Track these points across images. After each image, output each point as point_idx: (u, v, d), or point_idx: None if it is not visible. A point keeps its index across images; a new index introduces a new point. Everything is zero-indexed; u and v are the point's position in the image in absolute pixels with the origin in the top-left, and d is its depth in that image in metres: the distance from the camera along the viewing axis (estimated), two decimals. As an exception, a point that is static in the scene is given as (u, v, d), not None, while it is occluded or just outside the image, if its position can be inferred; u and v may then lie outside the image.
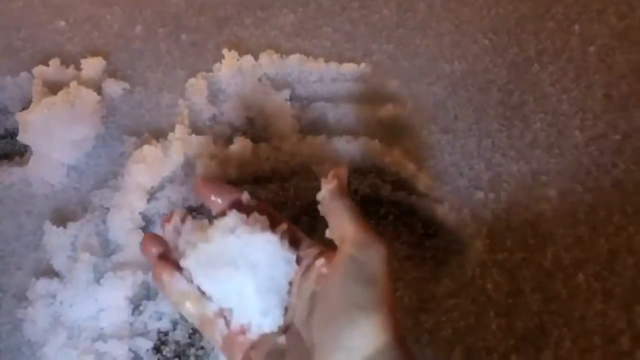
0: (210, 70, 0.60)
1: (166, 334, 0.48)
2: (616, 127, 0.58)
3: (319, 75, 0.60)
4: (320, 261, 0.39)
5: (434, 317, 0.48)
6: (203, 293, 0.40)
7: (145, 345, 0.47)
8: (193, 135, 0.55)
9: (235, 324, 0.40)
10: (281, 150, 0.55)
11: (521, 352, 0.47)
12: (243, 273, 0.39)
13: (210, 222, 0.41)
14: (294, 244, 0.41)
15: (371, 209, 0.53)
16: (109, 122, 0.58)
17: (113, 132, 0.57)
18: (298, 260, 0.40)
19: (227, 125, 0.57)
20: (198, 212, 0.52)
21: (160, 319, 0.48)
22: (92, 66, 0.60)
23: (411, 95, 0.59)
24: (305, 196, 0.53)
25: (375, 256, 0.37)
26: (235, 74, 0.59)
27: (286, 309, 0.40)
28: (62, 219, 0.52)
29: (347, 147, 0.55)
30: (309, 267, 0.39)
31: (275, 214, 0.43)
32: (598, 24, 0.64)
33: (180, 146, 0.55)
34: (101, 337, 0.47)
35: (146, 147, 0.54)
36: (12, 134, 0.57)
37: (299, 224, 0.47)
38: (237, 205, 0.42)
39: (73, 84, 0.56)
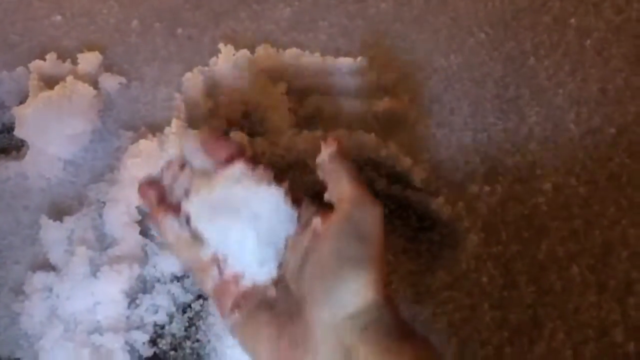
0: (207, 65, 0.60)
1: (162, 327, 0.49)
2: (611, 121, 0.58)
3: (315, 69, 0.60)
4: (317, 219, 0.39)
5: (429, 309, 0.49)
6: (199, 239, 0.40)
7: (141, 338, 0.47)
8: (189, 129, 0.56)
9: (229, 272, 0.40)
10: (277, 145, 0.55)
11: (515, 345, 0.47)
12: (244, 222, 0.39)
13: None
14: (295, 202, 0.41)
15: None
16: (105, 117, 0.58)
17: (109, 127, 0.57)
18: (298, 219, 0.40)
19: (223, 120, 0.57)
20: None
21: (156, 312, 0.49)
22: (88, 61, 0.60)
23: (407, 89, 0.60)
24: (302, 190, 0.54)
25: (370, 216, 0.38)
26: (231, 68, 0.59)
27: (280, 265, 0.40)
28: (58, 213, 0.52)
29: (343, 140, 0.55)
30: (306, 225, 0.40)
31: (278, 173, 0.43)
32: (594, 18, 0.64)
33: (177, 141, 0.55)
34: (97, 330, 0.47)
35: (142, 142, 0.54)
36: (9, 129, 0.57)
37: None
38: (240, 158, 0.42)
39: (69, 78, 0.56)
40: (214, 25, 0.64)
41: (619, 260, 0.51)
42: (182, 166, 0.43)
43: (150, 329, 0.48)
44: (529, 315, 0.48)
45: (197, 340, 0.48)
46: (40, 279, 0.49)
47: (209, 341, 0.48)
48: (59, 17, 0.64)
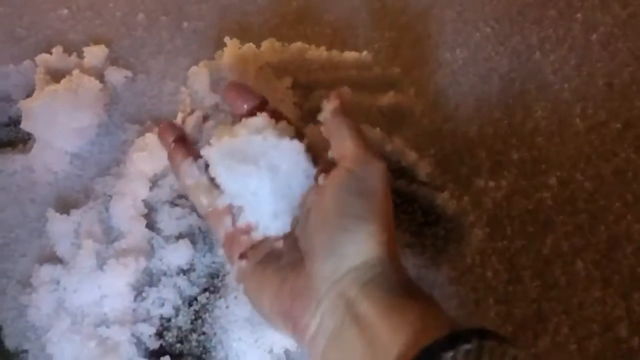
0: (212, 58, 0.60)
1: (169, 319, 0.49)
2: (617, 116, 0.58)
3: (321, 64, 0.60)
4: (321, 175, 0.39)
5: (434, 304, 0.49)
6: (216, 186, 0.40)
7: (147, 330, 0.48)
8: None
9: (242, 222, 0.40)
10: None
11: (519, 339, 0.47)
12: (262, 173, 0.39)
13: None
14: (315, 160, 0.41)
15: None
16: (111, 110, 0.58)
17: (116, 120, 0.58)
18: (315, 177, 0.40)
19: (229, 114, 0.57)
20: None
21: (162, 305, 0.49)
22: (94, 54, 0.60)
23: (413, 83, 0.60)
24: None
25: (373, 172, 0.38)
26: (237, 62, 0.59)
27: (293, 220, 0.40)
28: (65, 206, 0.53)
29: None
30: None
31: (299, 130, 0.43)
32: (601, 12, 0.64)
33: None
34: (104, 322, 0.47)
35: (148, 135, 0.54)
36: (15, 122, 0.57)
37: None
38: (263, 111, 0.43)
39: (76, 72, 0.56)
40: (220, 19, 0.64)
41: (624, 255, 0.51)
42: (206, 118, 0.43)
43: (157, 321, 0.48)
44: (534, 309, 0.48)
45: (203, 333, 0.48)
46: (47, 271, 0.49)
47: (215, 334, 0.48)
48: (65, 11, 0.64)
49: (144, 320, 0.48)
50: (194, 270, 0.51)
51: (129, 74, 0.60)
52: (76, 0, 0.66)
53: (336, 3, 0.66)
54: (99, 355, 0.46)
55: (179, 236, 0.51)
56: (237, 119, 0.43)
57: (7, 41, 0.62)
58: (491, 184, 0.54)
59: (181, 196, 0.53)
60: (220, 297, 0.49)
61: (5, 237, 0.52)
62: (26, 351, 0.48)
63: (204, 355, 0.48)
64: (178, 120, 0.54)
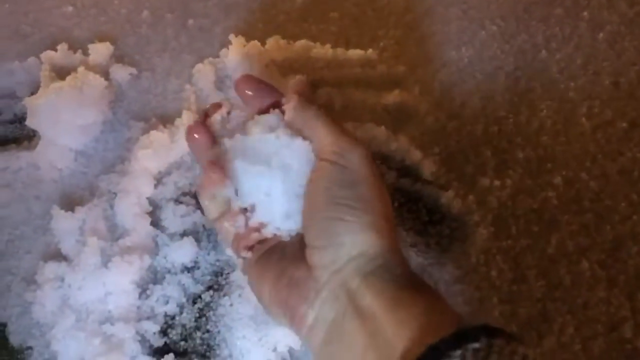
0: (217, 56, 0.60)
1: (173, 317, 0.49)
2: (624, 115, 0.57)
3: (326, 61, 0.60)
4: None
5: (438, 303, 0.49)
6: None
7: (152, 328, 0.48)
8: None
9: (254, 221, 0.40)
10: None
11: (524, 339, 0.47)
12: (275, 173, 0.39)
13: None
14: None
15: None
16: (116, 108, 0.58)
17: (120, 118, 0.58)
18: None
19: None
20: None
21: (167, 302, 0.49)
22: (99, 51, 0.60)
23: (418, 82, 0.59)
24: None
25: (354, 159, 0.37)
26: (242, 59, 0.59)
27: None
28: (69, 203, 0.53)
29: (353, 133, 0.55)
30: None
31: None
32: (607, 11, 0.64)
33: (187, 132, 0.55)
34: (109, 319, 0.47)
35: (153, 133, 0.55)
36: (20, 119, 0.57)
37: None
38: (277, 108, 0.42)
39: (81, 69, 0.56)
40: (225, 16, 0.64)
41: (629, 255, 0.50)
42: (229, 111, 0.42)
43: (161, 319, 0.48)
44: (538, 309, 0.48)
45: (208, 331, 0.48)
46: (52, 268, 0.49)
47: (219, 332, 0.48)
48: (70, 8, 0.64)
49: (148, 318, 0.48)
50: (199, 268, 0.51)
51: (134, 71, 0.60)
52: (81, -2, 0.66)
53: (341, 1, 0.66)
54: (103, 353, 0.46)
55: (184, 234, 0.51)
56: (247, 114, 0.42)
57: (12, 38, 0.62)
58: (496, 182, 0.53)
59: (185, 194, 0.53)
60: (224, 295, 0.49)
61: (10, 234, 0.52)
62: (31, 348, 0.48)
63: (208, 353, 0.48)
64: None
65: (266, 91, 0.42)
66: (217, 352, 0.48)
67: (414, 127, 0.57)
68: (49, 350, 0.47)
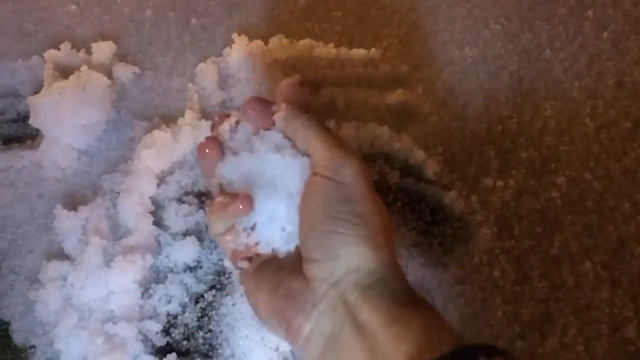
0: (220, 55, 0.60)
1: (175, 317, 0.49)
2: (628, 115, 0.57)
3: (329, 61, 0.60)
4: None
5: (441, 303, 0.49)
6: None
7: (154, 327, 0.48)
8: (203, 120, 0.56)
9: (253, 240, 0.40)
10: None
11: (527, 339, 0.47)
12: (280, 197, 0.39)
13: None
14: None
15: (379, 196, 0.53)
16: (119, 107, 0.58)
17: (123, 117, 0.58)
18: None
19: (236, 111, 0.57)
20: (208, 197, 0.53)
21: (169, 302, 0.49)
22: (102, 50, 0.60)
23: (421, 81, 0.59)
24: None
25: (347, 173, 0.36)
26: (245, 58, 0.59)
27: None
28: (73, 202, 0.53)
29: (356, 133, 0.55)
30: None
31: None
32: (612, 10, 0.64)
33: (190, 131, 0.55)
34: (111, 319, 0.47)
35: (156, 132, 0.55)
36: (23, 118, 0.57)
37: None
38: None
39: (84, 68, 0.56)
40: (228, 15, 0.64)
41: (633, 256, 0.50)
42: (237, 121, 0.42)
43: (163, 318, 0.49)
44: (541, 310, 0.48)
45: (210, 331, 0.48)
46: (54, 267, 0.49)
47: (221, 331, 0.48)
48: (73, 7, 0.64)
49: (151, 317, 0.48)
50: (201, 267, 0.51)
51: (137, 70, 0.60)
52: (84, -4, 0.66)
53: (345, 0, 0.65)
54: (105, 352, 0.46)
55: (186, 233, 0.52)
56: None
57: (15, 37, 0.62)
58: (499, 183, 0.53)
59: (188, 193, 0.53)
60: (227, 295, 0.49)
61: (14, 233, 0.52)
62: (34, 347, 0.48)
63: (210, 353, 0.48)
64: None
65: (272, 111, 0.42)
66: (220, 351, 0.48)
67: (417, 126, 0.57)
68: (52, 349, 0.47)
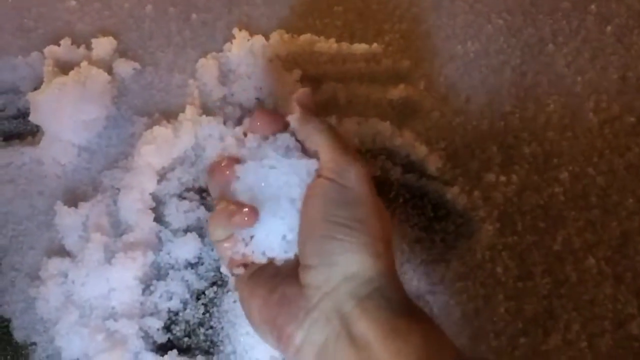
0: (221, 50, 0.60)
1: (176, 313, 0.49)
2: (631, 110, 0.57)
3: (330, 56, 0.60)
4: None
5: (443, 299, 0.49)
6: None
7: (155, 324, 0.48)
8: (204, 116, 0.55)
9: (250, 249, 0.40)
10: (291, 132, 0.55)
11: (530, 336, 0.47)
12: (282, 212, 0.39)
13: None
14: None
15: (381, 192, 0.53)
16: (119, 103, 0.58)
17: (124, 113, 0.57)
18: None
19: (237, 106, 0.57)
20: (208, 194, 0.52)
21: (170, 298, 0.49)
22: (102, 46, 0.60)
23: (423, 76, 0.59)
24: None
25: (352, 177, 0.36)
26: (245, 54, 0.59)
27: None
28: (73, 199, 0.52)
29: (358, 128, 0.55)
30: None
31: None
32: (616, 4, 0.63)
33: (191, 127, 0.55)
34: (112, 316, 0.47)
35: (157, 128, 0.54)
36: (24, 114, 0.57)
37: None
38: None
39: (84, 64, 0.56)
40: (229, 10, 0.64)
41: (637, 251, 0.50)
42: (245, 133, 0.42)
43: (165, 315, 0.48)
44: (544, 306, 0.48)
45: (211, 327, 0.48)
46: (55, 264, 0.49)
47: (222, 328, 0.48)
48: (73, 2, 0.64)
49: (152, 314, 0.48)
50: (202, 263, 0.50)
51: (137, 66, 0.60)
52: (84, -8, 0.65)
53: (346, -6, 0.65)
54: (106, 349, 0.46)
55: (187, 229, 0.51)
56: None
57: (15, 33, 0.62)
58: (502, 178, 0.53)
59: (189, 189, 0.53)
60: (228, 291, 0.49)
61: (14, 229, 0.52)
62: (35, 343, 0.48)
63: (211, 349, 0.48)
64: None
65: (277, 122, 0.42)
66: (221, 348, 0.48)
67: (419, 122, 0.56)
68: (53, 346, 0.47)
